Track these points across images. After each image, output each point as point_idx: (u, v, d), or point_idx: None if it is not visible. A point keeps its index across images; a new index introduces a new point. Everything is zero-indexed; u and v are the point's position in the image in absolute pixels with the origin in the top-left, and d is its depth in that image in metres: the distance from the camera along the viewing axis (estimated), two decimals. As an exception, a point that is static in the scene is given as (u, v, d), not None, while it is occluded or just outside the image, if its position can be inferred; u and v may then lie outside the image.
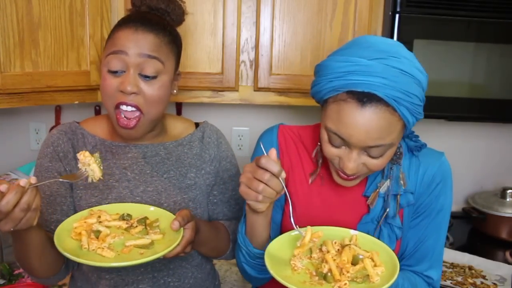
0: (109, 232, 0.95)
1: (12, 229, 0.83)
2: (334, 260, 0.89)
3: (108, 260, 0.88)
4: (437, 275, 1.05)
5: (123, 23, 1.05)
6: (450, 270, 1.59)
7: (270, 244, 0.93)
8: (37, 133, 1.92)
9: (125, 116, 1.02)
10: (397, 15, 1.55)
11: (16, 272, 1.48)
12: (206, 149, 1.19)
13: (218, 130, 1.25)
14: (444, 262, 1.64)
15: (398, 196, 1.02)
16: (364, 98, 0.84)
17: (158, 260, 1.09)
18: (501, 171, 2.11)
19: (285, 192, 0.89)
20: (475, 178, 2.11)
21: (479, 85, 1.64)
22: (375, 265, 0.88)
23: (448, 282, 1.50)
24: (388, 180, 1.02)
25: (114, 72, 1.01)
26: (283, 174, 0.86)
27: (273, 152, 0.87)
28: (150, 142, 1.14)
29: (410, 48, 1.55)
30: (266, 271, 0.99)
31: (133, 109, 1.02)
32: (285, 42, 1.56)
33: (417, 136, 1.06)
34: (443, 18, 1.56)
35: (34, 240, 0.93)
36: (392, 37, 1.56)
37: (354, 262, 0.88)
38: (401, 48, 0.90)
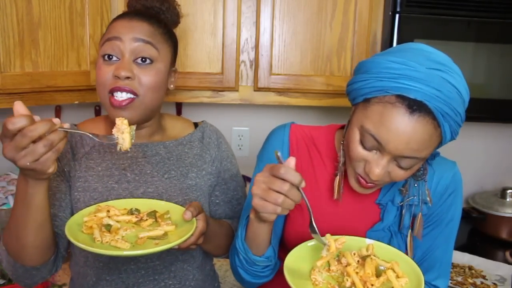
0: (120, 226, 0.95)
1: (28, 164, 0.79)
2: (357, 273, 0.87)
3: (124, 250, 0.88)
4: (444, 285, 1.04)
5: (118, 17, 1.07)
6: (450, 270, 1.59)
7: (287, 257, 0.89)
8: (37, 133, 1.92)
9: (117, 98, 1.00)
10: (397, 15, 1.55)
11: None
12: (207, 149, 1.19)
13: (217, 130, 1.24)
14: (444, 262, 1.64)
15: (419, 219, 0.99)
16: (415, 106, 0.81)
17: (159, 262, 1.10)
18: (501, 171, 2.11)
19: (305, 202, 0.85)
20: (475, 178, 2.11)
21: (479, 85, 1.64)
22: (397, 276, 0.86)
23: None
24: (413, 197, 0.99)
25: (108, 59, 1.01)
26: (303, 184, 0.81)
27: (292, 161, 0.82)
28: (148, 140, 1.14)
29: (410, 48, 1.56)
30: (261, 277, 0.99)
31: (128, 95, 1.00)
32: (285, 42, 1.56)
33: None
34: (443, 18, 1.56)
35: (40, 202, 0.90)
36: (392, 37, 1.56)
37: (377, 274, 0.86)
38: (454, 64, 0.87)
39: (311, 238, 0.92)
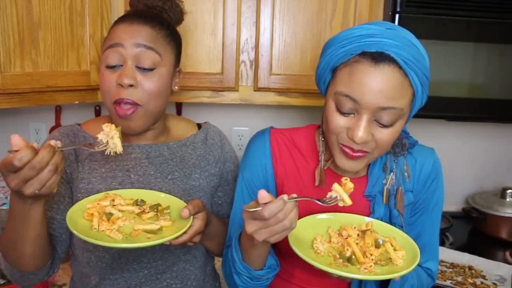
0: (121, 216, 0.96)
1: (37, 192, 0.80)
2: (357, 243, 0.91)
3: (113, 241, 0.88)
4: (435, 266, 1.09)
5: (119, 20, 1.05)
6: (450, 270, 1.59)
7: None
8: (37, 133, 1.92)
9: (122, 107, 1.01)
10: (397, 15, 1.55)
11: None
12: (210, 150, 1.19)
13: (220, 131, 1.25)
14: (444, 262, 1.64)
15: (400, 193, 1.02)
16: (378, 57, 0.86)
17: (162, 262, 1.10)
18: (501, 171, 2.12)
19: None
20: (475, 178, 2.11)
21: (479, 85, 1.64)
22: (394, 249, 0.90)
23: (448, 282, 1.50)
24: (393, 173, 1.02)
25: (111, 67, 1.01)
26: (285, 197, 0.82)
27: (262, 195, 0.80)
28: (153, 142, 1.14)
29: (410, 48, 1.56)
30: (265, 285, 1.00)
31: (131, 107, 1.01)
32: (285, 42, 1.56)
33: (408, 133, 1.07)
34: (443, 18, 1.56)
35: (38, 217, 0.91)
36: (392, 37, 1.56)
37: (376, 246, 0.91)
38: (404, 28, 0.94)
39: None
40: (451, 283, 1.50)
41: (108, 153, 0.96)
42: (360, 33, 0.89)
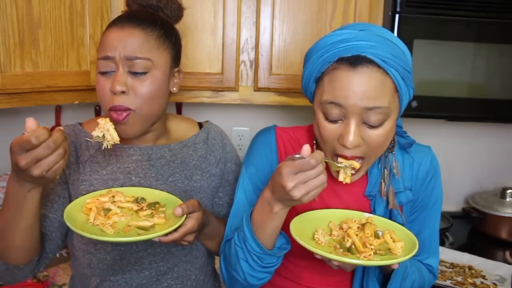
0: (119, 212, 0.97)
1: (44, 174, 0.82)
2: (357, 235, 0.93)
3: (103, 235, 0.89)
4: (436, 262, 1.10)
5: (111, 23, 1.04)
6: (450, 270, 1.59)
7: (295, 218, 0.95)
8: (37, 133, 1.92)
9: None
10: (397, 15, 1.55)
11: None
12: (212, 151, 1.19)
13: (222, 131, 1.24)
14: (444, 262, 1.64)
15: (391, 192, 1.03)
16: (355, 61, 0.87)
17: (163, 263, 1.10)
18: (501, 171, 2.12)
19: None
20: (475, 178, 2.11)
21: (479, 85, 1.64)
22: (393, 241, 0.92)
23: (448, 282, 1.50)
24: (386, 170, 1.04)
25: (104, 73, 1.01)
26: (322, 154, 0.85)
27: (307, 148, 0.84)
28: (154, 144, 1.13)
29: (410, 48, 1.55)
30: (268, 274, 1.00)
31: (124, 112, 1.01)
32: (285, 42, 1.56)
33: (405, 133, 1.07)
34: (443, 18, 1.56)
35: (33, 206, 0.91)
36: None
37: (375, 237, 0.93)
38: (379, 26, 0.96)
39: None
40: (451, 283, 1.50)
41: (106, 147, 0.97)
42: (334, 40, 0.90)
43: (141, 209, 0.99)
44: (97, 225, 0.92)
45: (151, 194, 1.04)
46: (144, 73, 1.01)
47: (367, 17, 1.56)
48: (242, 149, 2.00)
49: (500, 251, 1.79)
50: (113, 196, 1.00)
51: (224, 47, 1.54)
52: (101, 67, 1.01)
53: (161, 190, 1.08)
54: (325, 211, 1.02)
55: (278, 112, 1.98)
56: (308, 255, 0.91)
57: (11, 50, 1.26)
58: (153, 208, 1.00)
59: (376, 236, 0.93)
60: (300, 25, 1.56)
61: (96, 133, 0.97)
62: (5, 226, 0.93)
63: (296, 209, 1.03)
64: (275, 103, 1.62)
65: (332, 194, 1.06)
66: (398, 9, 1.54)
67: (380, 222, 0.99)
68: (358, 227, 0.96)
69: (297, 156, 0.84)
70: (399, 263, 0.89)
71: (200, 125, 1.23)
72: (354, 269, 1.04)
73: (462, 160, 2.09)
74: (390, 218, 1.03)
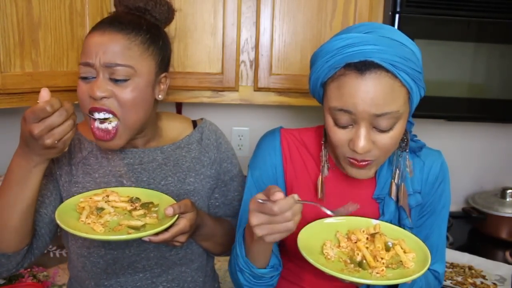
0: (112, 211, 0.96)
1: (56, 142, 0.84)
2: (367, 247, 0.91)
3: (93, 233, 0.89)
4: (442, 268, 1.08)
5: (94, 27, 1.01)
6: (450, 270, 1.59)
7: (302, 231, 0.92)
8: (37, 133, 1.92)
9: (99, 126, 0.98)
10: (397, 15, 1.55)
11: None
12: (205, 152, 1.16)
13: (217, 129, 1.21)
14: (444, 262, 1.64)
15: (403, 189, 1.01)
16: (362, 67, 0.85)
17: (157, 266, 1.09)
18: (501, 171, 2.12)
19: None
20: (475, 178, 2.11)
21: (479, 85, 1.64)
22: (404, 252, 0.90)
23: (448, 282, 1.50)
24: (398, 169, 1.02)
25: (84, 78, 0.99)
26: (296, 197, 0.83)
27: (279, 194, 0.81)
28: (145, 147, 1.11)
29: (410, 48, 1.56)
30: (269, 285, 1.00)
31: (107, 115, 0.97)
32: (285, 42, 1.56)
33: (415, 136, 1.07)
34: (443, 18, 1.56)
35: (35, 183, 0.92)
36: (392, 37, 1.56)
37: (386, 249, 0.90)
38: (385, 25, 0.92)
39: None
40: (451, 283, 1.50)
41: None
42: (341, 45, 0.87)
43: (135, 209, 0.99)
44: (89, 223, 0.92)
45: (146, 194, 1.04)
46: (125, 80, 0.97)
47: (367, 17, 1.56)
48: (242, 149, 2.00)
49: (500, 251, 1.79)
50: (107, 196, 0.99)
51: (224, 47, 1.54)
52: (81, 72, 0.99)
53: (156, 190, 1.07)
54: (332, 220, 0.99)
55: (278, 112, 1.98)
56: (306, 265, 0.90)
57: (11, 50, 1.26)
58: (146, 208, 0.99)
59: (387, 248, 0.90)
60: (300, 25, 1.55)
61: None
62: (3, 204, 0.93)
63: (303, 217, 1.02)
64: (275, 103, 1.62)
65: (340, 198, 1.04)
66: (398, 9, 1.54)
67: (388, 229, 0.97)
68: (367, 238, 0.94)
69: (260, 200, 0.82)
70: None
71: (195, 123, 1.20)
72: None
73: (462, 160, 2.09)
74: (399, 221, 1.01)
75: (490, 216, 1.87)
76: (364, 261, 0.88)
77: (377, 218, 1.02)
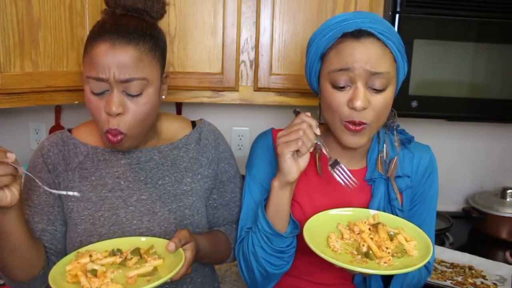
0: (105, 270, 0.91)
1: None
2: (371, 238, 0.95)
3: None
4: (432, 258, 1.12)
5: (98, 36, 0.96)
6: (450, 270, 1.59)
7: (307, 222, 0.99)
8: (37, 133, 1.93)
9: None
10: (397, 15, 1.54)
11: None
12: (203, 152, 1.16)
13: (215, 130, 1.21)
14: (444, 262, 1.64)
15: (394, 162, 1.09)
16: (358, 34, 0.98)
17: None
18: (501, 171, 2.11)
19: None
20: (475, 178, 2.11)
21: (479, 85, 1.63)
22: (406, 240, 0.95)
23: (448, 282, 1.50)
24: (385, 144, 1.11)
25: (98, 94, 0.98)
26: (318, 131, 0.97)
27: (306, 115, 0.97)
28: (143, 146, 1.12)
29: (410, 48, 1.56)
30: (285, 259, 1.06)
31: (119, 138, 1.00)
32: (285, 42, 1.56)
33: (404, 130, 1.16)
34: (443, 18, 1.56)
35: (8, 229, 0.91)
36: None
37: (390, 239, 0.95)
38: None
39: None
40: (451, 283, 1.50)
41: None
42: (337, 20, 1.01)
43: (125, 259, 0.95)
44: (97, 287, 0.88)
45: (120, 244, 1.01)
46: (139, 94, 0.98)
47: (367, 17, 1.56)
48: (242, 149, 2.00)
49: (500, 251, 1.79)
50: (91, 255, 0.95)
51: (224, 47, 1.54)
52: (93, 88, 0.97)
53: (149, 196, 1.07)
54: (330, 213, 1.04)
55: (278, 112, 1.98)
56: (310, 251, 0.93)
57: (11, 50, 1.26)
58: (138, 254, 0.96)
59: (390, 237, 0.95)
60: (300, 25, 1.55)
61: None
62: None
63: (302, 210, 1.08)
64: (275, 103, 1.62)
65: (333, 183, 1.07)
66: (398, 9, 1.54)
67: (386, 219, 1.01)
68: (369, 229, 0.98)
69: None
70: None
71: (194, 124, 1.20)
72: None
73: (462, 160, 2.09)
74: (389, 202, 1.08)
75: (490, 216, 1.87)
76: (371, 251, 0.92)
77: (368, 201, 1.09)
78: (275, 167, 1.09)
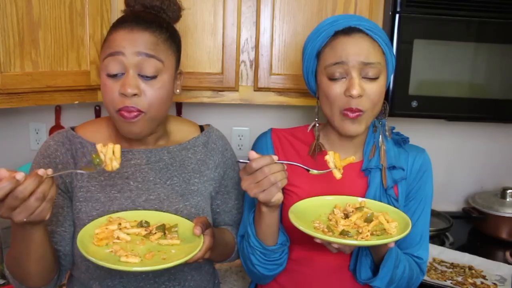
0: (129, 239, 0.97)
1: (25, 220, 0.82)
2: (352, 222, 1.01)
3: (133, 265, 0.89)
4: (426, 256, 1.19)
5: (117, 24, 1.02)
6: (450, 270, 1.59)
7: (290, 209, 1.03)
8: (37, 133, 1.93)
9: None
10: (397, 15, 1.55)
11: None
12: (211, 155, 1.18)
13: (223, 136, 1.24)
14: (444, 262, 1.64)
15: (383, 149, 1.14)
16: (349, 31, 1.07)
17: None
18: (501, 171, 2.11)
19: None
20: (475, 178, 2.11)
21: (479, 85, 1.63)
22: (387, 221, 1.00)
23: (448, 282, 1.50)
24: (380, 133, 1.16)
25: (113, 76, 0.99)
26: (276, 158, 0.95)
27: (252, 153, 0.95)
28: (153, 146, 1.13)
29: (410, 48, 1.56)
30: (278, 265, 1.11)
31: (135, 114, 1.00)
32: (285, 42, 1.56)
33: (399, 132, 1.21)
34: (443, 18, 1.56)
35: (39, 239, 0.92)
36: (392, 37, 1.56)
37: (368, 221, 1.01)
38: None
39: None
40: (451, 283, 1.50)
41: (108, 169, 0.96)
42: (328, 21, 1.10)
43: (150, 233, 1.00)
44: (119, 255, 0.92)
45: (153, 216, 1.05)
46: (154, 77, 1.00)
47: (367, 17, 1.55)
48: (242, 149, 2.00)
49: (500, 251, 1.79)
50: (120, 224, 0.99)
51: (224, 47, 1.54)
52: (109, 67, 0.98)
53: (157, 195, 1.09)
54: (321, 199, 1.10)
55: (278, 112, 1.98)
56: (306, 244, 0.98)
57: (11, 50, 1.26)
58: (162, 230, 1.00)
59: (370, 219, 1.01)
60: (300, 25, 1.55)
61: (101, 156, 0.95)
62: (18, 255, 0.95)
63: (297, 195, 1.13)
64: (275, 103, 1.62)
65: (331, 175, 1.07)
66: (398, 9, 1.54)
67: (373, 205, 1.07)
68: (352, 211, 1.05)
69: (240, 160, 0.99)
70: (395, 242, 0.98)
71: (202, 128, 1.22)
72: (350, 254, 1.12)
73: (463, 160, 2.09)
74: (385, 191, 1.12)
75: (490, 216, 1.87)
76: (350, 233, 0.98)
77: (365, 191, 1.13)
78: None
